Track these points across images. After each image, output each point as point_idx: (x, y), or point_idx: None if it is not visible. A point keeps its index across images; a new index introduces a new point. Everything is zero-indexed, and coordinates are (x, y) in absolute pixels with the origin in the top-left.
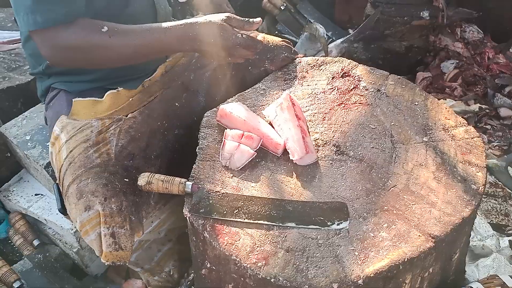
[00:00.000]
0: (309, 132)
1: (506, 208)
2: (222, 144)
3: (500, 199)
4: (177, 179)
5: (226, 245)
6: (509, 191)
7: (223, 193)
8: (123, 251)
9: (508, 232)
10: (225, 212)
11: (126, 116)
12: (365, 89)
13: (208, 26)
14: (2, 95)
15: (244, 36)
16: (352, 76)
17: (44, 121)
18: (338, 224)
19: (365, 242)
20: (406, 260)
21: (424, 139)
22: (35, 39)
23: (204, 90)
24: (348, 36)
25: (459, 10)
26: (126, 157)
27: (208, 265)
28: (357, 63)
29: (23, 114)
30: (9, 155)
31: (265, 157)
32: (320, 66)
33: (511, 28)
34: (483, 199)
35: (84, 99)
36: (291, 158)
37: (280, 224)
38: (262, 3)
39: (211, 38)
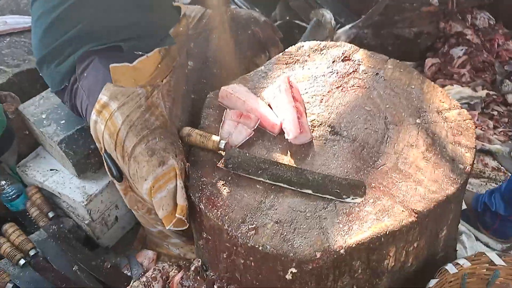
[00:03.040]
0: (306, 113)
1: None
2: (221, 123)
3: (501, 183)
4: (214, 136)
5: (219, 216)
6: (511, 175)
7: (251, 155)
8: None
9: None
10: (250, 170)
11: (162, 81)
12: (364, 73)
13: None
14: (22, 77)
15: None
16: (352, 60)
17: (70, 96)
18: (353, 199)
19: (350, 215)
20: (387, 232)
21: (417, 121)
22: None
23: (203, 55)
24: (356, 21)
25: None
26: (176, 117)
27: (205, 235)
28: (358, 48)
29: (41, 94)
30: (27, 132)
31: (262, 136)
32: (321, 50)
33: None
34: (483, 182)
35: (119, 64)
36: (286, 137)
37: (298, 189)
38: None
39: None
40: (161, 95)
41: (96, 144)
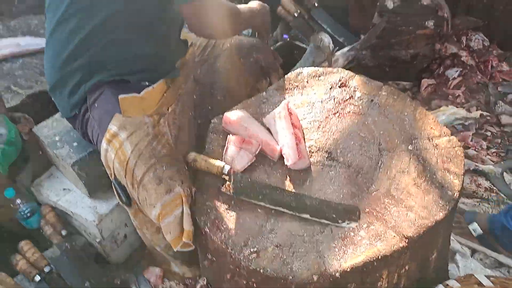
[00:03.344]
0: (304, 139)
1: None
2: (225, 148)
3: (493, 203)
4: (218, 161)
5: (223, 239)
6: (503, 196)
7: (253, 180)
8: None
9: None
10: (252, 195)
11: (168, 109)
12: (360, 99)
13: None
14: (35, 98)
15: None
16: (349, 87)
17: (81, 124)
18: (348, 223)
19: (345, 240)
20: (380, 257)
21: (409, 147)
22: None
23: (208, 81)
24: (354, 44)
25: (466, 19)
26: (182, 144)
27: (210, 257)
28: (354, 74)
29: (53, 116)
30: (41, 153)
31: (263, 161)
32: (319, 77)
33: None
34: (476, 203)
35: (127, 95)
36: (285, 163)
37: (297, 214)
38: (277, 10)
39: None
40: (167, 123)
41: (107, 170)
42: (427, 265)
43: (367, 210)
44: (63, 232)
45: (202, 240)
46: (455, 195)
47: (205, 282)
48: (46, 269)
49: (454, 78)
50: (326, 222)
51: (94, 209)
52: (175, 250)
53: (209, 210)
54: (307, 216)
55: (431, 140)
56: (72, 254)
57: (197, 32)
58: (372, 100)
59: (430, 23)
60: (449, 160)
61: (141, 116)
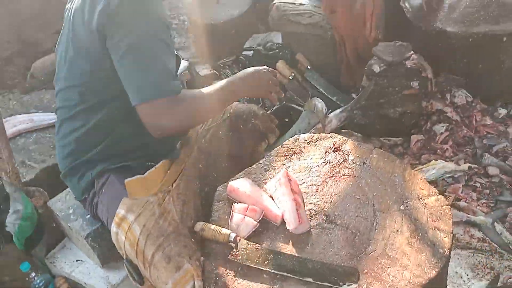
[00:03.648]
0: (304, 204)
1: (492, 262)
2: (230, 216)
3: (486, 253)
4: (224, 229)
5: None
6: (496, 246)
7: (257, 246)
8: None
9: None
10: (257, 261)
11: (172, 185)
12: (353, 162)
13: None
14: (49, 171)
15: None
16: (342, 150)
17: (92, 211)
18: (348, 285)
19: None
20: None
21: (401, 207)
22: (146, 111)
23: (213, 150)
24: (346, 106)
25: (449, 77)
26: (187, 217)
27: None
28: (346, 139)
29: (66, 189)
30: (54, 225)
31: (266, 226)
32: (315, 142)
33: (497, 92)
34: (470, 253)
35: (132, 178)
36: (287, 228)
37: (300, 278)
38: None
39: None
40: (172, 200)
41: (119, 251)
42: None
43: (365, 271)
44: None
45: None
46: (445, 252)
47: None
48: None
49: (441, 133)
50: (328, 285)
51: (106, 279)
52: None
53: (217, 278)
54: (310, 279)
55: (420, 199)
56: None
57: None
58: (364, 163)
59: (415, 84)
60: (438, 218)
61: (147, 195)
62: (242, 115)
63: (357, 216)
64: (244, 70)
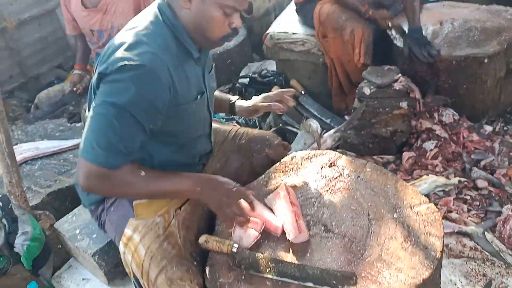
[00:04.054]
0: (302, 215)
1: (484, 269)
2: (233, 229)
3: (479, 261)
4: (227, 241)
5: None
6: (487, 254)
7: (259, 255)
8: None
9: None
10: (260, 269)
11: (180, 208)
12: (348, 176)
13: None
14: (54, 196)
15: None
16: (337, 166)
17: (100, 224)
18: None
19: None
20: None
21: (394, 215)
22: (80, 167)
23: (225, 175)
24: (339, 126)
25: (436, 98)
26: (188, 244)
27: None
28: (341, 155)
29: (73, 212)
30: (60, 246)
31: (268, 237)
32: (311, 159)
33: (482, 110)
34: (463, 262)
35: (141, 200)
36: (287, 238)
37: (301, 283)
38: None
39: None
40: (178, 224)
41: (125, 269)
42: None
43: (363, 274)
44: None
45: None
46: (437, 255)
47: None
48: None
49: (431, 150)
50: None
51: None
52: None
53: (221, 287)
54: (311, 284)
55: (412, 208)
56: None
57: None
58: (358, 176)
59: (404, 104)
60: (429, 224)
61: (153, 217)
62: (256, 145)
63: (353, 225)
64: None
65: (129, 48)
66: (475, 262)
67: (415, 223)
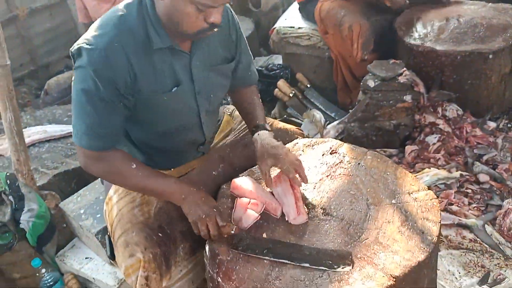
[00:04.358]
0: (302, 198)
1: (482, 261)
2: (233, 210)
3: (478, 252)
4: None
5: (234, 287)
6: (486, 246)
7: (256, 237)
8: None
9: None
10: (257, 250)
11: None
12: (348, 163)
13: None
14: (60, 177)
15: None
16: (338, 153)
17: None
18: (342, 268)
19: (341, 282)
20: None
21: (392, 201)
22: (77, 150)
23: (237, 163)
24: (343, 118)
25: (440, 92)
26: (163, 215)
27: None
28: (342, 143)
29: (78, 192)
30: (65, 226)
31: (267, 219)
32: (313, 146)
33: (486, 106)
34: (462, 253)
35: None
36: (286, 219)
37: (297, 264)
38: (274, 92)
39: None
40: None
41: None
42: None
43: (359, 256)
44: None
45: None
46: (433, 239)
47: None
48: None
49: (434, 144)
50: (324, 268)
51: (114, 274)
52: None
53: (221, 263)
54: (307, 264)
55: (411, 194)
56: None
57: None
58: (359, 163)
59: (408, 97)
60: (427, 210)
61: None
62: (276, 138)
63: (351, 209)
64: (202, 194)
65: (90, 31)
66: (474, 253)
67: (412, 208)
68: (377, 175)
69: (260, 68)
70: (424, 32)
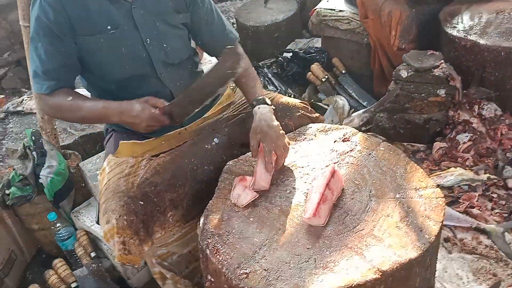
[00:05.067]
0: (332, 202)
1: (495, 269)
2: (233, 186)
3: (492, 260)
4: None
5: (220, 261)
6: (502, 254)
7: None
8: (132, 256)
9: None
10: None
11: (157, 156)
12: (359, 152)
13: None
14: (86, 139)
15: (153, 114)
16: (351, 141)
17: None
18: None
19: (326, 269)
20: (353, 285)
21: (397, 195)
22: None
23: (233, 137)
24: (369, 107)
25: (479, 89)
26: (148, 185)
27: (209, 277)
28: (357, 131)
29: (98, 154)
30: (83, 185)
31: (265, 199)
32: (327, 132)
33: None
34: (475, 258)
35: (128, 141)
36: (303, 216)
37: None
38: (306, 75)
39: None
40: (146, 167)
41: None
42: None
43: (349, 245)
44: (92, 254)
45: (204, 261)
46: (431, 239)
47: None
48: (73, 285)
49: (464, 143)
50: None
51: None
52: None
53: (211, 236)
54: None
55: (417, 190)
56: (97, 274)
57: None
58: (370, 154)
59: (442, 92)
60: (431, 208)
61: (129, 157)
62: (277, 112)
63: (352, 198)
64: (128, 104)
65: None
66: (488, 260)
67: (416, 205)
68: (386, 168)
69: (297, 51)
70: (470, 24)
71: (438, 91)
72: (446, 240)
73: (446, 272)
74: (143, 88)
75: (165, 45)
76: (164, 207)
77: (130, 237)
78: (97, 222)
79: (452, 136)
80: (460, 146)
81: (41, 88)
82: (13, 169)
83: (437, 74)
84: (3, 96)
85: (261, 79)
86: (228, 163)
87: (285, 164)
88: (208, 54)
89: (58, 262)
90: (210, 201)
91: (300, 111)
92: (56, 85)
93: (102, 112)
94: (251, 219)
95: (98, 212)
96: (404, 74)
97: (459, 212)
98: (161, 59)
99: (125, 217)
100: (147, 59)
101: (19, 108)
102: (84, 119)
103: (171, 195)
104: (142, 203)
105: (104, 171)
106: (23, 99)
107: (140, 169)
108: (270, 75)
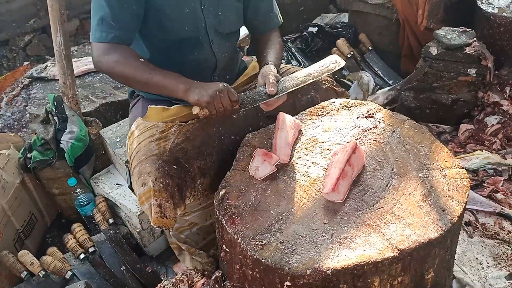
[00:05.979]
0: (353, 179)
1: None
2: (252, 158)
3: None
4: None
5: (236, 231)
6: None
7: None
8: (167, 219)
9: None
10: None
11: (187, 122)
12: (383, 129)
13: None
14: (107, 107)
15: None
16: (375, 118)
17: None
18: None
19: (343, 244)
20: (370, 262)
21: (420, 174)
22: (92, 48)
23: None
24: (395, 85)
25: None
26: (179, 151)
27: (224, 248)
28: (381, 107)
29: (118, 122)
30: (103, 152)
31: (284, 173)
32: (350, 107)
33: None
34: (497, 243)
35: (156, 106)
36: (322, 191)
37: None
38: (331, 50)
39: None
40: (177, 132)
41: None
42: (423, 283)
43: (368, 222)
44: (110, 221)
45: (219, 232)
46: (453, 219)
47: (220, 274)
48: (91, 250)
49: (493, 125)
50: None
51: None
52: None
53: (228, 207)
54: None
55: (441, 170)
56: (115, 240)
57: None
58: (394, 131)
59: (472, 71)
60: (455, 188)
61: (158, 121)
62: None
63: (373, 176)
64: (205, 84)
65: None
66: (509, 246)
67: (439, 184)
68: (410, 146)
69: (323, 25)
70: (507, 1)
71: (468, 70)
72: (467, 223)
73: (465, 256)
74: (194, 54)
75: (220, 13)
76: (194, 174)
77: (166, 200)
78: (129, 187)
79: (480, 118)
80: (488, 128)
81: (107, 36)
82: (35, 134)
83: (468, 52)
84: (27, 62)
85: (285, 53)
86: (247, 135)
87: (305, 138)
88: (247, 28)
89: (77, 227)
90: (228, 172)
91: (327, 83)
92: (122, 36)
93: (172, 83)
94: (268, 192)
95: (130, 175)
96: (434, 51)
97: (483, 196)
98: (213, 25)
99: (161, 180)
100: (202, 22)
101: (43, 74)
102: (148, 83)
103: (199, 163)
104: (175, 167)
105: (132, 134)
106: (46, 65)
107: (171, 134)
108: (294, 50)
